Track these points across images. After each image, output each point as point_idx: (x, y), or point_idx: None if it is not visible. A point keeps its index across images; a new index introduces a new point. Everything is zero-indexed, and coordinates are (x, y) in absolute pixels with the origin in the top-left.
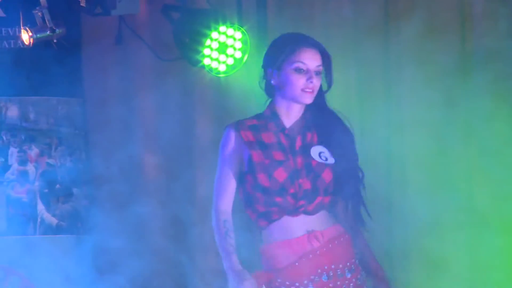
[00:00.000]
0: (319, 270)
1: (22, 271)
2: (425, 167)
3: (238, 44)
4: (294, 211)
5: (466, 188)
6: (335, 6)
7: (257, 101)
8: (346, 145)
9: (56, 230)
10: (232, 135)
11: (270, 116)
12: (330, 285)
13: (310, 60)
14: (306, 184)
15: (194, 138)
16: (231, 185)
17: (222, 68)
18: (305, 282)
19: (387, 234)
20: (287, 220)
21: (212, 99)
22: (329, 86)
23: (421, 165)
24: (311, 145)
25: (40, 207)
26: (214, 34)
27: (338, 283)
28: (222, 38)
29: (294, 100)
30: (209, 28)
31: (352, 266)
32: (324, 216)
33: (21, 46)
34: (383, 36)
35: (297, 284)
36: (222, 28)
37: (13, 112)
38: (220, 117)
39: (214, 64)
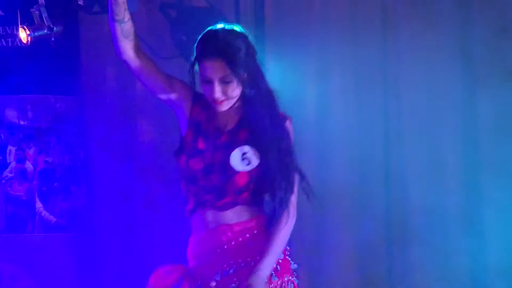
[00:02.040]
0: (225, 266)
1: (21, 269)
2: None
3: None
4: (202, 204)
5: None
6: (333, 5)
7: None
8: (278, 146)
9: (55, 228)
10: (189, 98)
11: (208, 103)
12: (234, 278)
13: (212, 72)
14: (216, 181)
15: None
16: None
17: None
18: (213, 276)
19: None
20: (200, 213)
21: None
22: (256, 80)
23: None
24: (239, 144)
25: (39, 205)
26: None
27: (243, 278)
28: None
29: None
30: (207, 26)
31: (255, 262)
32: (241, 210)
33: (19, 45)
34: (381, 33)
35: (205, 278)
36: (220, 26)
37: (11, 110)
38: None
39: None
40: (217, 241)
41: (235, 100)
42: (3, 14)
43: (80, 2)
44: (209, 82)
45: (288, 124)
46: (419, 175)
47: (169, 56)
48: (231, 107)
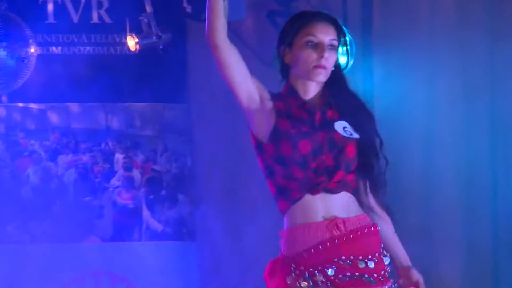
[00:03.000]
0: (336, 259)
1: (128, 277)
2: None
3: (343, 50)
4: (314, 188)
5: None
6: (440, 8)
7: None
8: (368, 127)
9: (162, 236)
10: (267, 95)
11: (288, 93)
12: (348, 273)
13: (322, 33)
14: (329, 160)
15: None
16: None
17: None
18: (320, 269)
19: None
20: (308, 200)
21: None
22: (347, 62)
23: None
24: (332, 121)
25: (146, 213)
26: None
27: (357, 274)
28: None
29: (307, 77)
30: None
31: (374, 258)
32: (348, 202)
33: (127, 53)
34: (488, 37)
35: (311, 269)
36: None
37: (119, 118)
38: None
39: None
40: (328, 234)
41: (329, 74)
42: (111, 22)
43: (188, 10)
44: (316, 45)
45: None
46: None
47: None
48: (317, 85)
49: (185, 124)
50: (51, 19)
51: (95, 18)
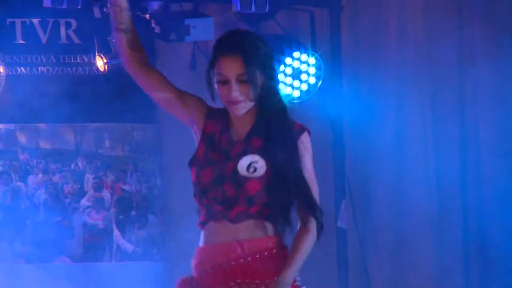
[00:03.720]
0: (232, 283)
1: None
2: None
3: (312, 70)
4: (215, 216)
5: None
6: (409, 30)
7: (333, 128)
8: (284, 160)
9: (132, 256)
10: (203, 113)
11: (223, 114)
12: None
13: (227, 70)
14: (230, 191)
15: None
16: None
17: (296, 94)
18: None
19: None
20: (211, 225)
21: None
22: (273, 82)
23: None
24: (252, 152)
25: (116, 233)
26: (287, 60)
27: None
28: (296, 64)
29: (229, 110)
30: (282, 53)
31: (265, 286)
32: (254, 226)
33: (96, 73)
34: (457, 56)
35: None
36: (296, 54)
37: (89, 138)
38: None
39: (288, 90)
40: (225, 256)
41: (251, 104)
42: (80, 42)
43: (157, 30)
44: (225, 82)
45: (304, 137)
46: (497, 207)
47: None
48: (246, 114)
49: (155, 144)
50: (19, 39)
51: (63, 38)
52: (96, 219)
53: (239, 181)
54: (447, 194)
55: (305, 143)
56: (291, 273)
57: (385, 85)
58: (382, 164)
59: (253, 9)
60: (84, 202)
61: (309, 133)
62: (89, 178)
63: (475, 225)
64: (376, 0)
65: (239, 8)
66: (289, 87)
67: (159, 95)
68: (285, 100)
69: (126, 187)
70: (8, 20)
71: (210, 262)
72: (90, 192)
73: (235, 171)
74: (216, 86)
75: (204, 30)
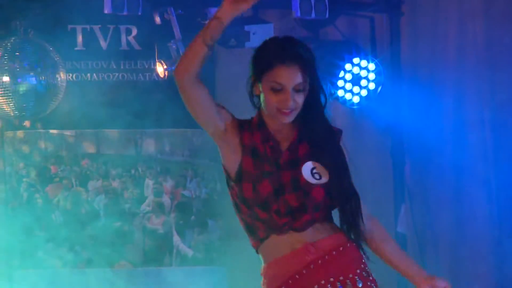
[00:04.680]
0: (316, 286)
1: None
2: None
3: (372, 76)
4: (279, 229)
5: None
6: (469, 34)
7: (392, 133)
8: (339, 163)
9: (192, 261)
10: (236, 126)
11: (257, 125)
12: None
13: (287, 79)
14: (292, 201)
15: None
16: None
17: (356, 99)
18: None
19: None
20: (274, 238)
21: (346, 130)
22: (325, 98)
23: None
24: (301, 159)
25: (176, 238)
26: (347, 66)
27: None
28: (356, 70)
29: (274, 117)
30: (342, 59)
31: (356, 277)
32: (320, 227)
33: (156, 79)
34: None
35: None
36: (356, 60)
37: (149, 144)
38: (353, 151)
39: (348, 96)
40: (302, 262)
41: (297, 112)
42: (140, 49)
43: None
44: (280, 90)
45: (342, 138)
46: None
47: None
48: (288, 122)
49: (214, 149)
50: (80, 46)
51: (124, 44)
52: (156, 224)
53: (305, 190)
54: (507, 199)
55: (345, 145)
56: (417, 266)
57: (444, 90)
58: (441, 169)
59: (313, 15)
60: (144, 207)
61: (341, 134)
62: (149, 183)
63: None
64: (436, 5)
65: (299, 14)
66: (348, 93)
67: (200, 108)
68: (324, 105)
69: (185, 192)
70: (69, 26)
71: (287, 272)
72: (150, 197)
73: (294, 180)
74: (265, 93)
75: (264, 36)
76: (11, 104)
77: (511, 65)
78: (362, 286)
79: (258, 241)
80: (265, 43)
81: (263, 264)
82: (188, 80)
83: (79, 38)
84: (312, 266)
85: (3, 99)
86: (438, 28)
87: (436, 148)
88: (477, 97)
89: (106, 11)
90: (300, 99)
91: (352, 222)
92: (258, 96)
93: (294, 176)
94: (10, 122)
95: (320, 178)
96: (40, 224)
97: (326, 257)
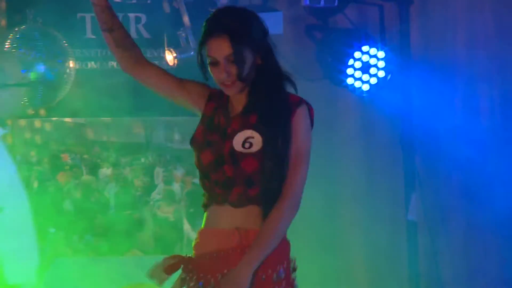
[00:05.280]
0: (226, 271)
1: None
2: None
3: (381, 64)
4: (216, 200)
5: None
6: (478, 23)
7: (402, 122)
8: (277, 134)
9: None
10: (205, 96)
11: (219, 93)
12: None
13: (217, 52)
14: (229, 172)
15: (338, 160)
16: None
17: (366, 87)
18: (209, 277)
19: None
20: (214, 209)
21: (356, 119)
22: (266, 56)
23: None
24: (249, 127)
25: (186, 226)
26: (357, 54)
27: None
28: (365, 58)
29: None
30: (352, 47)
31: (263, 276)
32: (254, 213)
33: (166, 67)
34: None
35: (201, 276)
36: (365, 48)
37: (159, 132)
38: (363, 137)
39: (357, 84)
40: (224, 244)
41: (245, 84)
42: (150, 37)
43: None
44: (215, 64)
45: (301, 110)
46: None
47: (314, 78)
48: (242, 93)
49: None
50: (89, 34)
51: (133, 33)
52: (166, 212)
53: (236, 160)
54: None
55: (301, 117)
56: (254, 256)
57: (454, 79)
58: (451, 158)
59: (322, 3)
60: (155, 195)
61: (310, 108)
62: (159, 172)
63: None
64: None
65: (307, 2)
66: (358, 81)
67: (159, 88)
68: (283, 75)
69: (196, 180)
70: (79, 14)
71: (209, 247)
72: (161, 185)
73: (232, 150)
74: (209, 68)
75: (273, 24)
76: (21, 93)
77: None
78: (265, 283)
79: (204, 207)
80: (206, 19)
81: (201, 228)
82: (127, 66)
83: (89, 27)
84: (230, 251)
85: (14, 87)
86: (447, 15)
87: (446, 135)
88: (487, 84)
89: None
90: (234, 70)
91: (270, 197)
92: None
93: (231, 145)
94: (18, 109)
95: (250, 147)
96: (50, 212)
97: (247, 249)
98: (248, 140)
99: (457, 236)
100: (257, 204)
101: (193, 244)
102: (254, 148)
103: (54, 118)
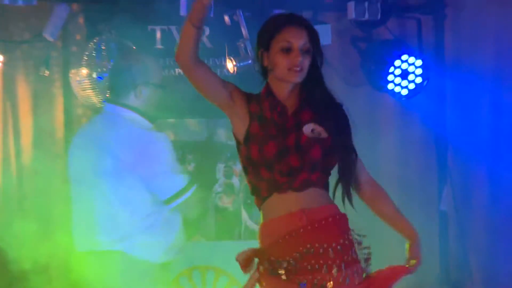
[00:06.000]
0: (301, 248)
1: (230, 270)
2: None
3: (419, 71)
4: (280, 187)
5: None
6: (507, 35)
7: (437, 122)
8: (341, 125)
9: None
10: (243, 97)
11: (265, 95)
12: (307, 264)
13: (295, 38)
14: (294, 161)
15: (378, 157)
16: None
17: (404, 92)
18: (287, 259)
19: None
20: (276, 198)
21: (395, 122)
22: (321, 63)
23: None
24: (305, 122)
25: (244, 215)
26: (397, 62)
27: (321, 261)
28: (404, 66)
29: (284, 79)
30: (392, 56)
31: (339, 246)
32: (316, 193)
33: (226, 74)
34: None
35: (280, 260)
36: (404, 57)
37: (220, 132)
38: (401, 136)
39: (397, 89)
40: (293, 226)
41: (305, 75)
42: (212, 46)
43: None
44: (289, 50)
45: (345, 109)
46: None
47: (358, 84)
48: (292, 91)
49: None
50: (158, 45)
51: None
52: (226, 203)
53: (304, 149)
54: None
55: (347, 115)
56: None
57: (483, 84)
58: (480, 155)
59: (366, 16)
60: (216, 188)
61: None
62: (220, 167)
63: None
64: (478, 9)
65: (353, 15)
66: (397, 86)
67: (206, 87)
68: (325, 82)
69: None
70: (149, 27)
71: (279, 232)
72: (221, 179)
73: (297, 141)
74: (275, 57)
75: (322, 36)
76: (98, 96)
77: None
78: (343, 252)
79: (261, 200)
80: (271, 17)
81: (262, 221)
82: (187, 61)
83: (158, 38)
84: (301, 230)
85: (92, 91)
86: (478, 28)
87: (475, 136)
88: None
89: (182, 13)
90: (306, 60)
91: (348, 177)
92: (266, 68)
93: (297, 137)
94: (98, 109)
95: (320, 134)
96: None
97: (316, 224)
98: (315, 130)
99: (483, 225)
100: (317, 187)
101: (259, 238)
102: (323, 136)
103: None
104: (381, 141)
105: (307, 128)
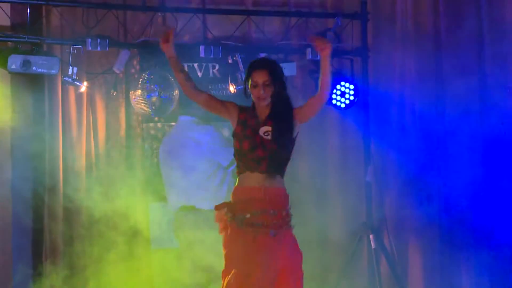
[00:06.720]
0: (259, 208)
1: None
2: None
3: (352, 92)
4: (250, 169)
5: None
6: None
7: (363, 125)
8: (286, 132)
9: None
10: (236, 110)
11: (252, 108)
12: (262, 220)
13: (258, 78)
14: (260, 153)
15: (326, 149)
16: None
17: (343, 106)
18: (250, 211)
19: None
20: (248, 174)
21: (337, 125)
22: (283, 88)
23: None
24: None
25: None
26: (338, 86)
27: (272, 220)
28: (343, 88)
29: (256, 103)
30: (335, 82)
31: (284, 212)
32: (273, 177)
33: (229, 93)
34: None
35: (244, 213)
36: (342, 83)
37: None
38: (342, 135)
39: (338, 104)
40: (255, 194)
41: (269, 100)
42: (220, 76)
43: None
44: (256, 86)
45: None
46: None
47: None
48: (265, 107)
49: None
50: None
51: (211, 74)
52: None
53: (265, 145)
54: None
55: (296, 121)
56: (329, 63)
57: (392, 99)
58: (392, 145)
59: (318, 57)
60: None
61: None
62: None
63: None
64: (389, 53)
65: (310, 56)
66: (338, 102)
67: (210, 107)
68: (289, 98)
69: None
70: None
71: (244, 195)
72: None
73: (262, 141)
74: (250, 89)
75: (290, 70)
76: (147, 108)
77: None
78: (284, 217)
79: (239, 173)
80: (249, 64)
81: (235, 186)
82: (189, 93)
83: (186, 68)
84: (260, 198)
85: (144, 105)
86: (389, 66)
87: (388, 132)
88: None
89: (201, 55)
90: (268, 90)
91: (280, 163)
92: (249, 92)
93: (261, 138)
94: (147, 117)
95: (268, 135)
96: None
97: (270, 197)
98: (266, 131)
99: (393, 189)
100: (275, 172)
101: (231, 196)
102: (269, 137)
103: (167, 123)
104: (327, 137)
105: (262, 131)
